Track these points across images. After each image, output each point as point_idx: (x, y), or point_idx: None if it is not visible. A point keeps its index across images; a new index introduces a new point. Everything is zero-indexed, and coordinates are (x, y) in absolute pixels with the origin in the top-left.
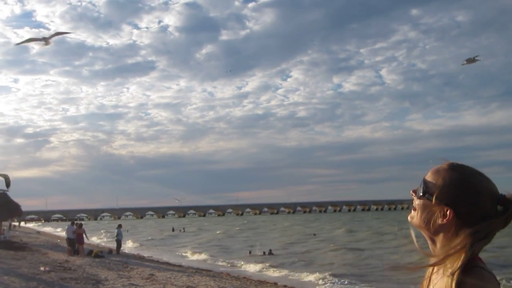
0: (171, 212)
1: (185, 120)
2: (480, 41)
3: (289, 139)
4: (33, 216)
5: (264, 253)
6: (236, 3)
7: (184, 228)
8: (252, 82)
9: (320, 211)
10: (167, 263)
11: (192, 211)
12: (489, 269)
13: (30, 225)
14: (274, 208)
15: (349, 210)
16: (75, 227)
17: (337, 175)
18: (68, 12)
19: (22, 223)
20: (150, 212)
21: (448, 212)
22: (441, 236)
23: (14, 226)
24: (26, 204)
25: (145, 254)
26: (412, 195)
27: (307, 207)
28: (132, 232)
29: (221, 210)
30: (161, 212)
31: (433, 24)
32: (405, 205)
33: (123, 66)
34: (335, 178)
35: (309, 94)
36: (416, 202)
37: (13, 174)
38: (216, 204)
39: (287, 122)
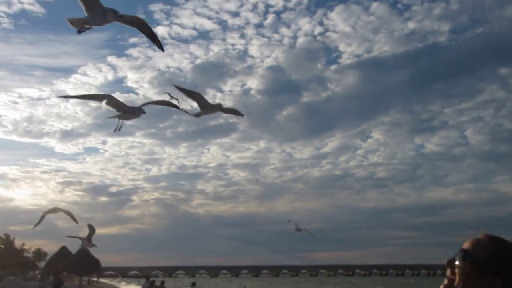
0: (245, 271)
1: (263, 180)
2: None
3: (367, 200)
4: (111, 272)
5: None
6: (319, 66)
7: None
8: (332, 143)
9: (397, 274)
10: None
11: (265, 271)
12: None
13: (107, 280)
14: (349, 270)
15: (428, 274)
16: (149, 283)
17: (417, 238)
18: (156, 78)
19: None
20: (224, 271)
21: (496, 282)
22: None
23: (93, 281)
24: (105, 260)
25: None
26: (446, 266)
27: (383, 270)
28: None
29: (294, 271)
30: (234, 271)
31: None
32: None
33: (205, 128)
34: (414, 240)
35: (390, 155)
36: (458, 271)
37: (96, 231)
38: (290, 264)
39: (365, 182)
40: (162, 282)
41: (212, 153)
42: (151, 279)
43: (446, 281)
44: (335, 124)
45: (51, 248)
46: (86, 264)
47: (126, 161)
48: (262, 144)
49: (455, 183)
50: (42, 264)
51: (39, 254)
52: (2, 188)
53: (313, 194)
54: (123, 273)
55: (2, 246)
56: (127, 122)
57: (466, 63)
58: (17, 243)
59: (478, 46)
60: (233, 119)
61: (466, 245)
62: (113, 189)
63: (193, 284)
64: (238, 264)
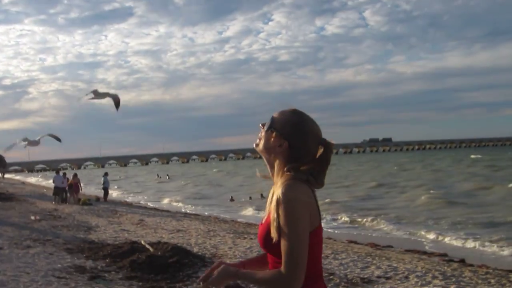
0: (155, 159)
1: (165, 67)
2: None
3: (271, 83)
4: (16, 167)
5: (250, 198)
6: None
7: (168, 175)
8: (233, 26)
9: None
10: (155, 209)
11: (175, 158)
12: (304, 183)
13: (14, 176)
14: (257, 153)
15: (336, 153)
16: (61, 175)
17: (320, 119)
18: None
19: (6, 175)
20: (134, 160)
21: (284, 144)
22: (276, 161)
23: None
24: (8, 156)
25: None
26: (261, 127)
27: None
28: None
29: (204, 156)
30: (144, 159)
31: None
32: (387, 147)
33: (100, 13)
34: (318, 122)
35: (291, 38)
36: (263, 133)
37: None
38: (199, 150)
39: (269, 66)
40: (75, 175)
41: (110, 40)
42: (62, 171)
43: (258, 140)
44: (236, 7)
45: None
46: None
47: (17, 51)
48: (162, 29)
49: (355, 65)
50: None
51: None
52: None
53: (218, 80)
54: (29, 167)
55: None
56: (14, 8)
57: None
58: None
59: None
60: (128, 3)
61: (275, 114)
62: (7, 82)
63: (106, 174)
64: (147, 152)
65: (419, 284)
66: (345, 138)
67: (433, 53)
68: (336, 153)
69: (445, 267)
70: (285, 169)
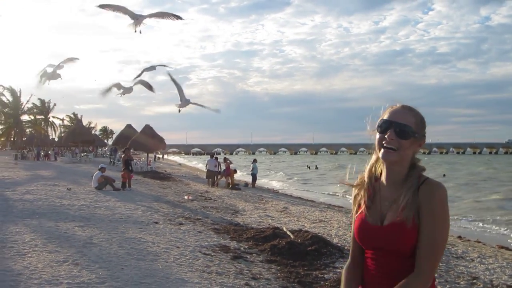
0: (303, 149)
1: (319, 57)
2: None
3: (428, 76)
4: (174, 149)
5: None
6: None
7: (316, 166)
8: (390, 16)
9: (458, 153)
10: (300, 198)
11: (324, 149)
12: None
13: (172, 157)
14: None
15: (490, 153)
16: (215, 160)
17: (479, 115)
18: None
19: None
20: (283, 149)
21: (422, 143)
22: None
23: (158, 158)
24: (168, 138)
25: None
26: (392, 133)
27: (443, 148)
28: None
29: (353, 149)
30: (293, 148)
31: None
32: None
33: (258, 2)
34: (477, 118)
35: (452, 28)
36: (402, 142)
37: (156, 110)
38: (348, 142)
39: (426, 58)
40: (225, 159)
41: (267, 30)
42: (215, 156)
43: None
44: None
45: (116, 126)
46: (151, 141)
47: (181, 38)
48: (318, 18)
49: None
50: (109, 141)
51: (106, 131)
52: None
53: (372, 71)
54: (186, 150)
55: (72, 124)
56: None
57: None
58: (84, 121)
59: None
60: None
61: (399, 118)
62: (170, 68)
63: (255, 161)
64: (297, 142)
65: None
66: (507, 136)
67: None
68: (496, 152)
69: None
70: (415, 164)
